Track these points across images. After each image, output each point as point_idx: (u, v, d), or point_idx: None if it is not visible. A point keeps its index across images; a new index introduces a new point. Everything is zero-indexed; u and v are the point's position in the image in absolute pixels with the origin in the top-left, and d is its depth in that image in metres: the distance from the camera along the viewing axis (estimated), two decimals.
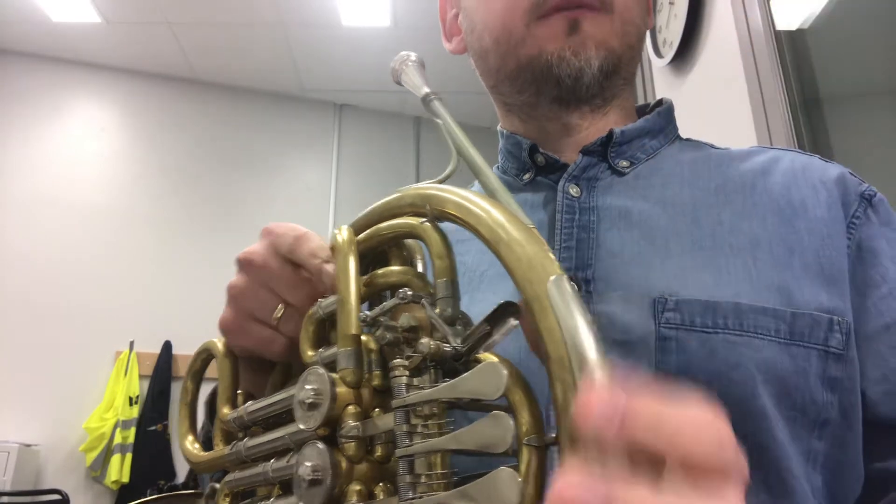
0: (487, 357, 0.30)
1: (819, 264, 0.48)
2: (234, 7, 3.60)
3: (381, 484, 0.31)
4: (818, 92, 1.52)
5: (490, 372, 0.26)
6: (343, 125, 4.50)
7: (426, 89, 0.47)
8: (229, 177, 4.12)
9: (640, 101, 2.09)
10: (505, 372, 0.25)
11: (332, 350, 0.35)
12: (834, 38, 1.55)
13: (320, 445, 0.31)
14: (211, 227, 3.97)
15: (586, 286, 0.48)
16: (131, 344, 3.59)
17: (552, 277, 0.26)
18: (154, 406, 3.51)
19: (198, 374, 0.48)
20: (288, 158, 4.31)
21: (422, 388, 0.29)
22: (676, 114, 0.65)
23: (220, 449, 0.42)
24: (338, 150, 4.43)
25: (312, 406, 0.32)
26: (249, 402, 0.40)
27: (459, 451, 0.27)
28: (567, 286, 0.26)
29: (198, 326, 3.72)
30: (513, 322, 0.28)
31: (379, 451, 0.32)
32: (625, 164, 0.57)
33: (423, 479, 0.28)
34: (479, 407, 0.30)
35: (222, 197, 4.06)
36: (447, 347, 0.30)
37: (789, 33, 1.57)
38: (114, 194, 3.87)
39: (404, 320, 0.32)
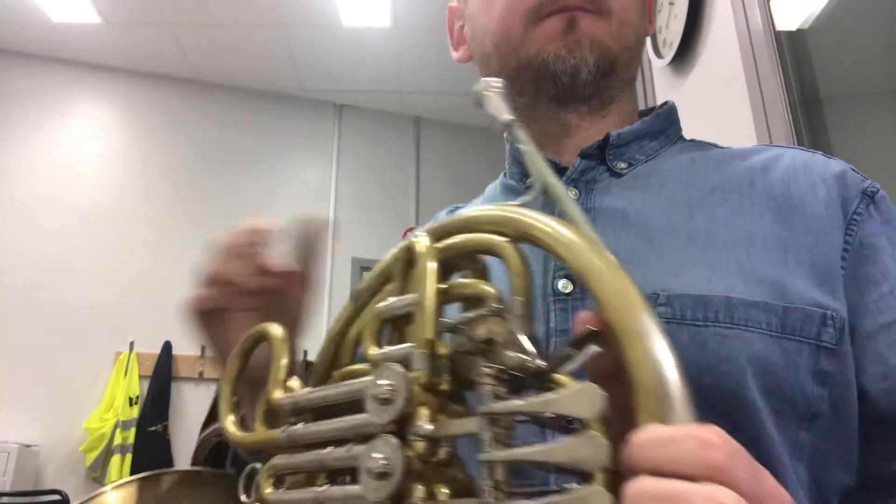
0: (563, 379, 0.30)
1: (812, 261, 0.48)
2: (235, 7, 3.60)
3: (441, 487, 0.32)
4: (818, 92, 1.52)
5: (590, 394, 0.26)
6: (343, 125, 4.50)
7: (509, 116, 0.48)
8: (229, 177, 4.12)
9: (640, 101, 2.10)
10: (604, 396, 0.26)
11: (400, 349, 0.36)
12: (834, 39, 1.55)
13: (393, 440, 0.31)
14: (211, 227, 3.96)
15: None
16: (131, 344, 3.59)
17: (644, 312, 0.27)
18: (154, 406, 3.51)
19: (246, 354, 0.49)
20: (288, 158, 4.31)
21: (506, 399, 0.30)
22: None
23: (267, 431, 0.42)
24: (338, 150, 4.43)
25: (386, 401, 0.33)
26: (308, 388, 0.41)
27: (541, 465, 0.28)
28: (657, 323, 0.27)
29: None
30: (595, 349, 0.29)
31: (443, 455, 0.32)
32: (623, 165, 0.57)
33: (502, 487, 0.28)
34: (556, 425, 0.31)
35: (222, 197, 4.06)
36: (530, 364, 0.31)
37: (789, 33, 1.57)
38: (114, 194, 3.88)
39: (482, 332, 0.33)
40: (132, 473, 3.31)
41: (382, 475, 0.31)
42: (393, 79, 4.23)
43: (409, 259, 0.38)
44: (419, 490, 0.31)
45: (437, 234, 0.38)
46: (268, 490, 0.40)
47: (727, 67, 1.59)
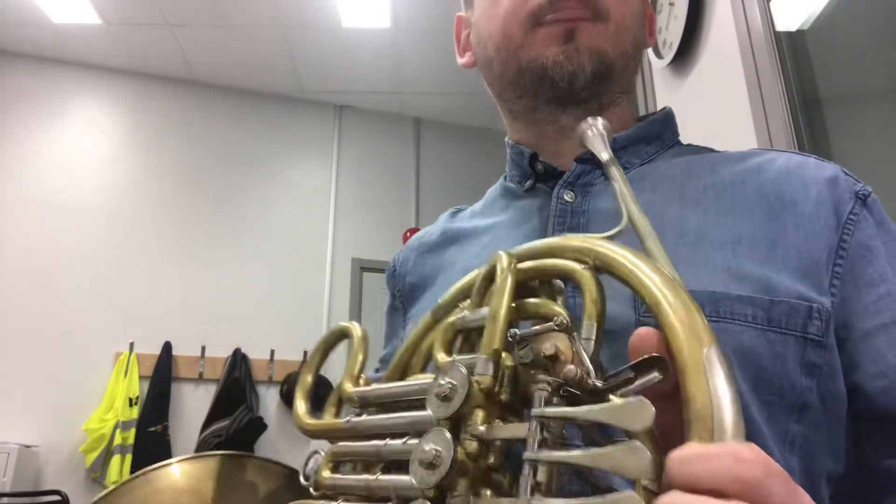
0: (616, 399, 0.32)
1: (799, 257, 0.49)
2: (235, 8, 3.60)
3: (486, 489, 0.33)
4: (818, 93, 1.52)
5: (641, 408, 0.28)
6: (343, 126, 4.50)
7: (608, 155, 0.51)
8: (229, 178, 4.12)
9: (640, 101, 2.10)
10: (653, 412, 0.27)
11: (468, 358, 0.38)
12: (834, 39, 1.55)
13: (446, 434, 0.33)
14: (210, 228, 3.98)
15: None
16: (131, 345, 3.59)
17: (710, 346, 0.29)
18: (154, 407, 3.51)
19: (328, 348, 0.53)
20: (288, 159, 4.31)
21: (559, 407, 0.32)
22: (677, 115, 0.66)
23: (333, 420, 0.45)
24: (338, 151, 4.44)
25: (446, 398, 0.34)
26: (376, 384, 0.44)
27: (584, 470, 0.29)
28: (722, 358, 0.28)
29: (197, 327, 3.74)
30: (656, 375, 0.30)
31: (492, 459, 0.34)
32: None
33: (542, 487, 0.30)
34: (602, 438, 0.32)
35: (222, 198, 4.06)
36: (588, 382, 0.32)
37: (789, 34, 1.57)
38: (114, 195, 3.88)
39: (548, 346, 0.34)
40: (132, 474, 3.30)
41: (431, 465, 0.32)
42: (393, 80, 4.23)
43: (490, 276, 0.41)
44: (463, 485, 0.32)
45: (521, 257, 0.40)
46: (325, 473, 0.43)
47: (727, 68, 1.59)
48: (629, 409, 0.28)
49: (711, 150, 0.63)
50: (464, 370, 0.34)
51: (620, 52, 0.59)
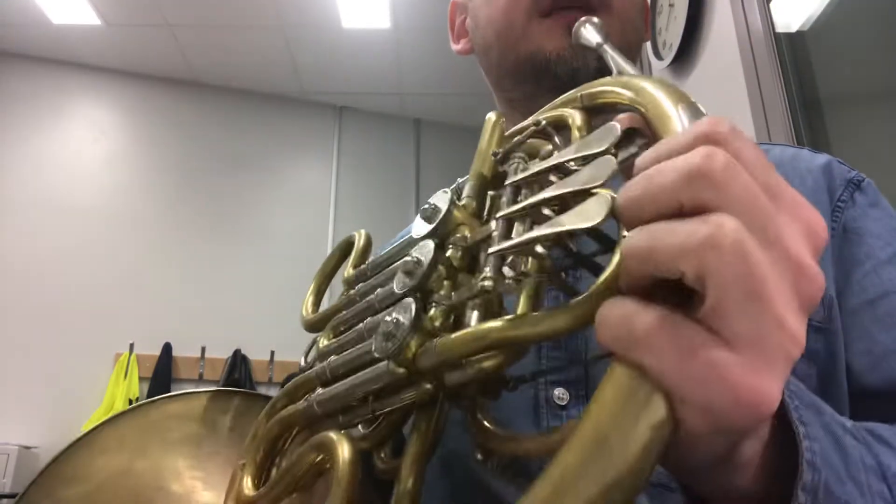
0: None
1: None
2: (234, 9, 3.60)
3: (462, 277, 0.35)
4: (818, 93, 1.52)
5: (605, 162, 0.26)
6: (343, 127, 4.50)
7: (600, 38, 0.53)
8: (229, 179, 4.12)
9: None
10: (615, 161, 0.26)
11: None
12: (833, 40, 1.55)
13: (430, 244, 0.35)
14: (210, 229, 3.98)
15: None
16: (131, 346, 3.59)
17: (683, 102, 0.28)
18: None
19: (345, 253, 0.56)
20: (288, 160, 4.31)
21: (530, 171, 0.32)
22: None
23: (334, 305, 0.48)
24: (338, 151, 4.43)
25: (428, 220, 0.36)
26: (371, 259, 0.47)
27: (550, 240, 0.28)
28: (698, 109, 0.27)
29: (197, 328, 3.73)
30: (637, 150, 0.29)
31: (465, 262, 0.35)
32: None
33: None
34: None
35: (222, 199, 4.06)
36: (563, 159, 0.31)
37: (788, 35, 1.57)
38: (114, 196, 3.88)
39: (527, 147, 0.35)
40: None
41: (416, 264, 0.34)
42: (393, 80, 4.23)
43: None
44: (442, 286, 0.34)
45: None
46: (324, 342, 0.46)
47: (727, 69, 1.59)
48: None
49: None
50: (448, 193, 0.36)
51: (624, 41, 0.58)
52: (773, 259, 0.21)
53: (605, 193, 0.25)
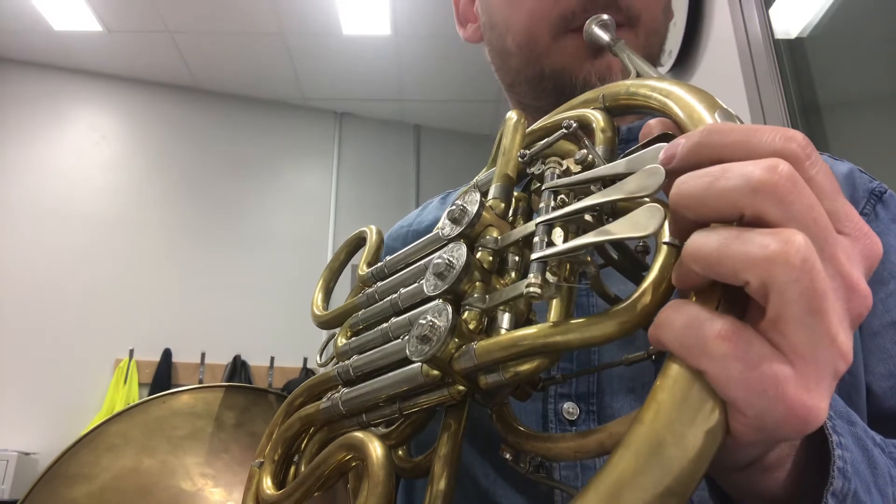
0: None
1: None
2: (235, 16, 3.61)
3: (497, 281, 0.34)
4: (816, 99, 1.53)
5: (654, 173, 0.26)
6: (343, 133, 4.51)
7: (609, 36, 0.52)
8: (230, 185, 4.13)
9: None
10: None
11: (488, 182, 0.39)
12: (832, 46, 1.56)
13: (463, 247, 0.34)
14: (211, 236, 3.98)
15: None
16: (131, 352, 3.59)
17: (719, 109, 0.29)
18: None
19: (351, 250, 0.55)
20: (289, 167, 4.32)
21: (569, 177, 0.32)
22: None
23: (351, 300, 0.47)
24: (338, 158, 4.44)
25: (456, 221, 0.35)
26: (388, 258, 0.46)
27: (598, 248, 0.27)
28: (732, 114, 0.28)
29: (198, 334, 3.73)
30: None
31: (505, 264, 0.35)
32: None
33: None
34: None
35: (223, 205, 4.06)
36: (597, 163, 0.32)
37: (788, 41, 1.58)
38: (115, 202, 3.88)
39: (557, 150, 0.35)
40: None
41: (448, 268, 0.33)
42: (393, 87, 4.24)
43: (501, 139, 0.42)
44: (475, 289, 0.33)
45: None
46: (342, 341, 0.45)
47: (726, 75, 1.60)
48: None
49: None
50: (477, 195, 0.35)
51: (648, 54, 0.57)
52: (829, 275, 0.22)
53: (655, 204, 0.25)
